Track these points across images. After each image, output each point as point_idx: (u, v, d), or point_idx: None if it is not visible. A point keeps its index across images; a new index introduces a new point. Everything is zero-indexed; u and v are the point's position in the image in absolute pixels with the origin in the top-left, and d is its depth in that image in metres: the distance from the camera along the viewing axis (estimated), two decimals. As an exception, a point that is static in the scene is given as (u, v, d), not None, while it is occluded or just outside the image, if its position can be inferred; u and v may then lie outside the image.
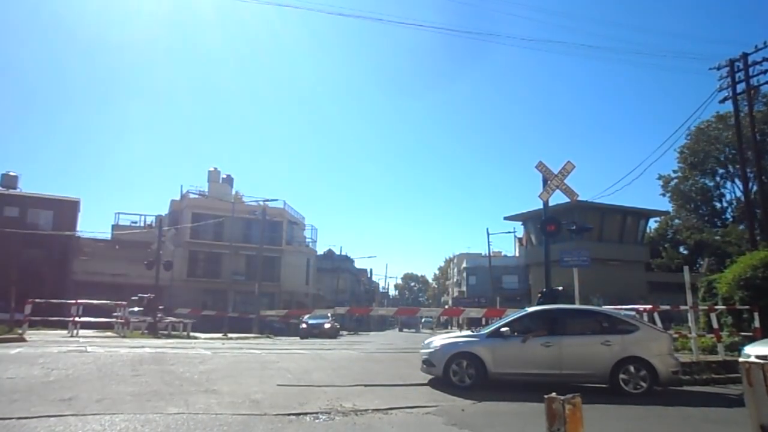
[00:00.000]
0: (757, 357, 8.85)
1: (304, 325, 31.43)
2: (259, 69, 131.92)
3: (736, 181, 45.03)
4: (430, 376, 9.70)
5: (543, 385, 8.56)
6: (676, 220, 50.61)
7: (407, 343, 22.44)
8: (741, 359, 9.12)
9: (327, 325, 31.42)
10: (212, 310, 35.42)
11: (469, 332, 11.34)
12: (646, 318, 13.07)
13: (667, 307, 14.73)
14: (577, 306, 11.11)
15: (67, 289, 33.56)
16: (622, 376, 8.95)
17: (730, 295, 16.00)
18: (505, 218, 45.18)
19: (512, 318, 10.41)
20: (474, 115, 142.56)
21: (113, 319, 22.37)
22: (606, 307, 10.61)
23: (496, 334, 9.86)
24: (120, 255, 39.83)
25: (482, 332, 10.32)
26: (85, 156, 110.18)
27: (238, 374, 9.59)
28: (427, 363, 9.97)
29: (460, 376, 9.45)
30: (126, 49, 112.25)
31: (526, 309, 11.10)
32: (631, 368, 8.97)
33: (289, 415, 6.47)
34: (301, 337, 28.95)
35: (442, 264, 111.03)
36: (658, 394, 9.03)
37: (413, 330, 60.48)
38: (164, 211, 48.04)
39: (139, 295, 25.77)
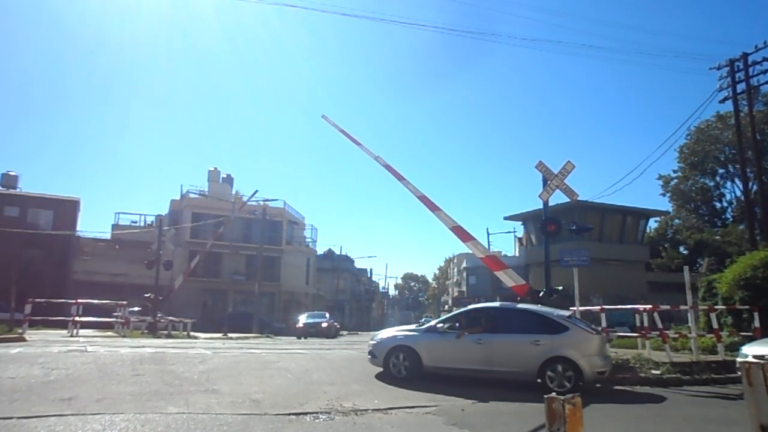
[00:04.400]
0: (755, 357, 8.89)
1: (300, 324, 30.95)
2: (259, 69, 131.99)
3: (736, 181, 45.05)
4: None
5: (476, 380, 9.64)
6: (676, 220, 50.60)
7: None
8: (739, 359, 9.20)
9: (324, 324, 30.98)
10: (212, 310, 35.49)
11: (413, 327, 11.94)
12: (645, 318, 13.10)
13: (667, 307, 14.71)
14: (512, 305, 11.41)
15: (67, 289, 33.56)
16: (549, 374, 9.15)
17: (730, 295, 16.01)
18: (505, 218, 45.19)
19: (450, 315, 11.22)
20: (474, 115, 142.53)
21: (113, 319, 22.37)
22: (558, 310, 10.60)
23: (433, 330, 10.53)
24: (120, 255, 39.82)
25: (421, 327, 11.12)
26: (85, 156, 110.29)
27: (238, 374, 9.59)
28: (372, 354, 10.67)
29: (397, 368, 10.15)
30: (126, 49, 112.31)
31: (468, 306, 11.60)
32: (559, 368, 9.15)
33: (289, 414, 6.47)
34: (298, 337, 28.54)
35: (442, 264, 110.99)
36: (660, 394, 9.04)
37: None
38: (164, 211, 48.07)
39: (145, 295, 25.76)
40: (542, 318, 9.95)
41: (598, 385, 9.60)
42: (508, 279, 12.78)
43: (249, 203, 37.50)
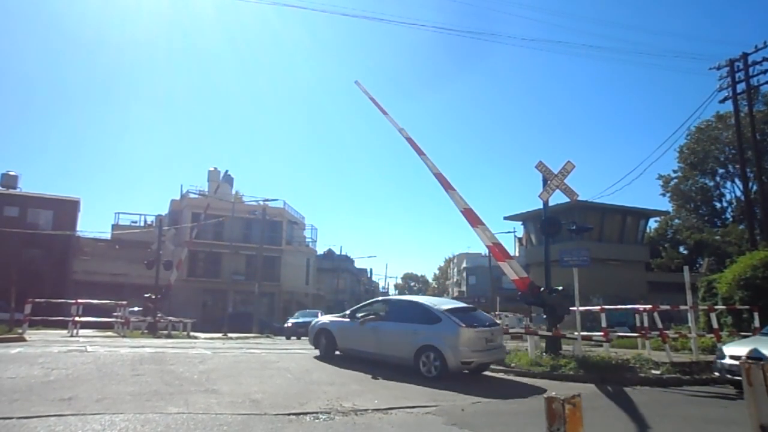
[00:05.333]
0: (731, 357, 8.93)
1: (289, 324, 28.70)
2: (259, 69, 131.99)
3: (736, 181, 45.03)
4: (430, 376, 10.12)
5: (375, 362, 11.13)
6: (676, 220, 50.59)
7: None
8: (715, 359, 9.46)
9: None
10: (212, 310, 35.25)
11: (344, 314, 13.25)
12: (645, 318, 13.12)
13: (667, 307, 14.72)
14: (406, 298, 13.71)
15: (67, 289, 33.57)
16: (422, 359, 10.30)
17: (730, 295, 16.02)
18: (505, 218, 45.12)
19: (363, 304, 12.98)
20: (474, 115, 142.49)
21: (113, 319, 22.36)
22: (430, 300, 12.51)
23: (349, 316, 12.39)
24: (120, 255, 39.83)
25: (345, 314, 12.81)
26: (85, 156, 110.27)
27: (238, 374, 9.59)
28: (309, 334, 13.29)
29: (320, 347, 12.59)
30: (126, 49, 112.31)
31: (376, 298, 13.75)
32: (431, 355, 10.24)
33: (289, 414, 6.47)
34: (287, 337, 26.98)
35: (442, 264, 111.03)
36: (661, 393, 9.04)
37: None
38: (164, 211, 48.08)
39: (145, 295, 25.71)
40: (425, 310, 11.04)
41: (465, 372, 10.48)
42: (511, 271, 12.81)
43: (248, 203, 37.45)
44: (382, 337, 11.18)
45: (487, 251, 55.40)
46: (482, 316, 11.53)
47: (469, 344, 10.18)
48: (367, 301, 13.25)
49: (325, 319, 13.66)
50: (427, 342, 10.34)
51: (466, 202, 13.52)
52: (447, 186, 13.78)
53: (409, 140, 14.76)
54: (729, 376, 9.00)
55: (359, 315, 12.07)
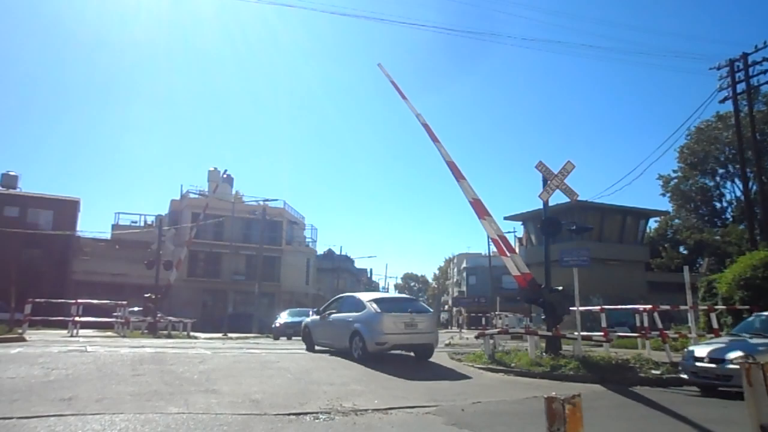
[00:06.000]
0: (695, 358, 8.93)
1: (278, 324, 25.93)
2: (258, 69, 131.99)
3: (736, 181, 45.02)
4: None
5: (334, 351, 13.16)
6: (676, 220, 50.60)
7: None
8: (682, 360, 9.60)
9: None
10: (212, 310, 35.09)
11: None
12: (645, 318, 13.13)
13: (667, 307, 14.72)
14: (348, 294, 15.58)
15: (67, 289, 33.57)
16: (353, 344, 12.02)
17: (730, 295, 16.01)
18: (505, 218, 45.03)
19: (327, 303, 14.93)
20: (474, 115, 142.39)
21: (113, 319, 22.36)
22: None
23: (320, 314, 14.37)
24: (120, 255, 39.82)
25: (318, 311, 14.93)
26: (85, 156, 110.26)
27: (238, 374, 9.58)
28: (300, 332, 15.82)
29: (306, 342, 14.94)
30: (126, 49, 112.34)
31: (336, 297, 15.47)
32: (356, 339, 11.95)
33: (289, 414, 6.47)
34: (275, 338, 24.82)
35: (442, 264, 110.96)
36: (661, 393, 9.03)
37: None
38: (164, 211, 48.07)
39: (145, 295, 25.70)
40: (357, 302, 12.89)
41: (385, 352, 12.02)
42: (513, 266, 12.84)
43: (248, 203, 37.41)
44: (334, 329, 13.20)
45: (487, 251, 55.62)
46: (406, 305, 12.97)
47: (385, 328, 11.63)
48: (330, 300, 15.33)
49: (308, 318, 16.07)
50: (355, 328, 12.08)
51: (476, 193, 13.63)
52: (458, 175, 13.88)
53: (426, 126, 14.84)
54: (694, 378, 8.97)
55: (320, 311, 14.51)
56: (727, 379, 8.42)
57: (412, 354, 12.96)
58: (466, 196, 13.65)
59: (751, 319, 10.83)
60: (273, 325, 26.60)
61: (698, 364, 8.92)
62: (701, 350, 9.19)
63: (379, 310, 11.86)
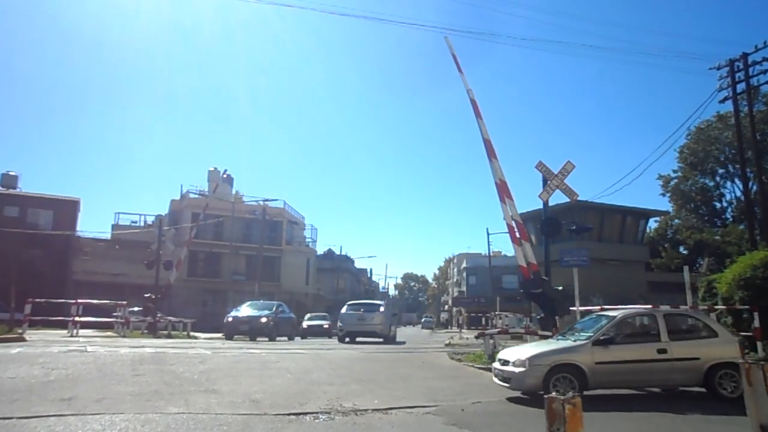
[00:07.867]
0: (499, 360, 8.92)
1: (229, 319, 22.55)
2: (259, 69, 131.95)
3: (736, 181, 44.98)
4: (432, 376, 10.47)
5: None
6: (676, 220, 50.53)
7: (409, 343, 22.45)
8: (491, 363, 9.74)
9: (263, 320, 22.09)
10: (212, 310, 34.98)
11: None
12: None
13: (667, 307, 14.69)
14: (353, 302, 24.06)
15: (67, 289, 33.54)
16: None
17: (730, 295, 15.97)
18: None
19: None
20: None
21: (113, 319, 22.34)
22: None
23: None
24: (120, 255, 39.76)
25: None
26: (85, 156, 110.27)
27: (238, 374, 9.59)
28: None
29: (340, 336, 22.28)
30: (126, 49, 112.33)
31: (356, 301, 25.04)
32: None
33: (289, 414, 6.47)
34: (226, 337, 22.00)
35: (442, 264, 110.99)
36: (661, 393, 9.01)
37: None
38: (164, 211, 48.04)
39: (145, 295, 25.66)
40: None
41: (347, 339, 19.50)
42: (521, 256, 12.87)
43: (248, 203, 37.37)
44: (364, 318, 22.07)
45: (487, 251, 55.57)
46: (365, 306, 22.64)
47: (344, 320, 21.70)
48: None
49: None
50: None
51: (503, 174, 13.70)
52: (491, 154, 13.99)
53: (473, 102, 14.90)
54: (497, 381, 8.72)
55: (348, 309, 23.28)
56: (507, 381, 8.37)
57: (417, 354, 15.00)
58: (494, 176, 13.79)
59: (586, 318, 10.88)
60: (225, 319, 22.83)
61: (503, 368, 8.68)
62: (505, 353, 9.10)
63: (343, 310, 21.60)
